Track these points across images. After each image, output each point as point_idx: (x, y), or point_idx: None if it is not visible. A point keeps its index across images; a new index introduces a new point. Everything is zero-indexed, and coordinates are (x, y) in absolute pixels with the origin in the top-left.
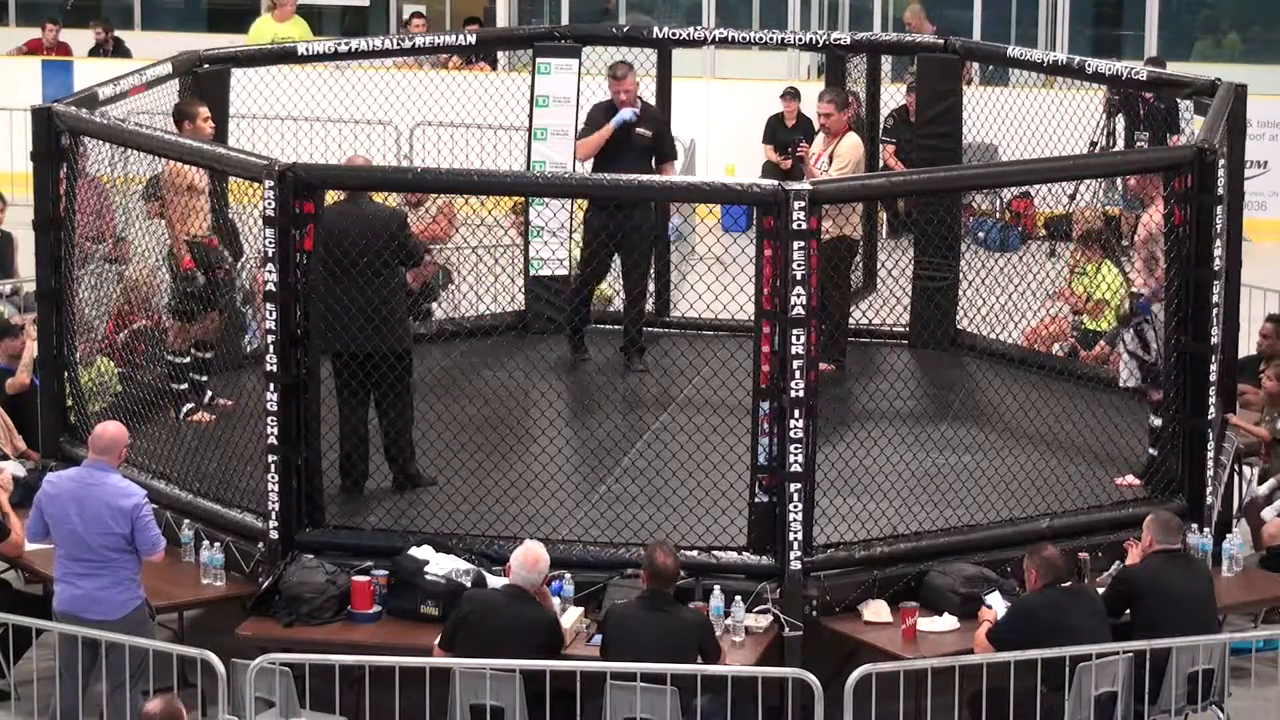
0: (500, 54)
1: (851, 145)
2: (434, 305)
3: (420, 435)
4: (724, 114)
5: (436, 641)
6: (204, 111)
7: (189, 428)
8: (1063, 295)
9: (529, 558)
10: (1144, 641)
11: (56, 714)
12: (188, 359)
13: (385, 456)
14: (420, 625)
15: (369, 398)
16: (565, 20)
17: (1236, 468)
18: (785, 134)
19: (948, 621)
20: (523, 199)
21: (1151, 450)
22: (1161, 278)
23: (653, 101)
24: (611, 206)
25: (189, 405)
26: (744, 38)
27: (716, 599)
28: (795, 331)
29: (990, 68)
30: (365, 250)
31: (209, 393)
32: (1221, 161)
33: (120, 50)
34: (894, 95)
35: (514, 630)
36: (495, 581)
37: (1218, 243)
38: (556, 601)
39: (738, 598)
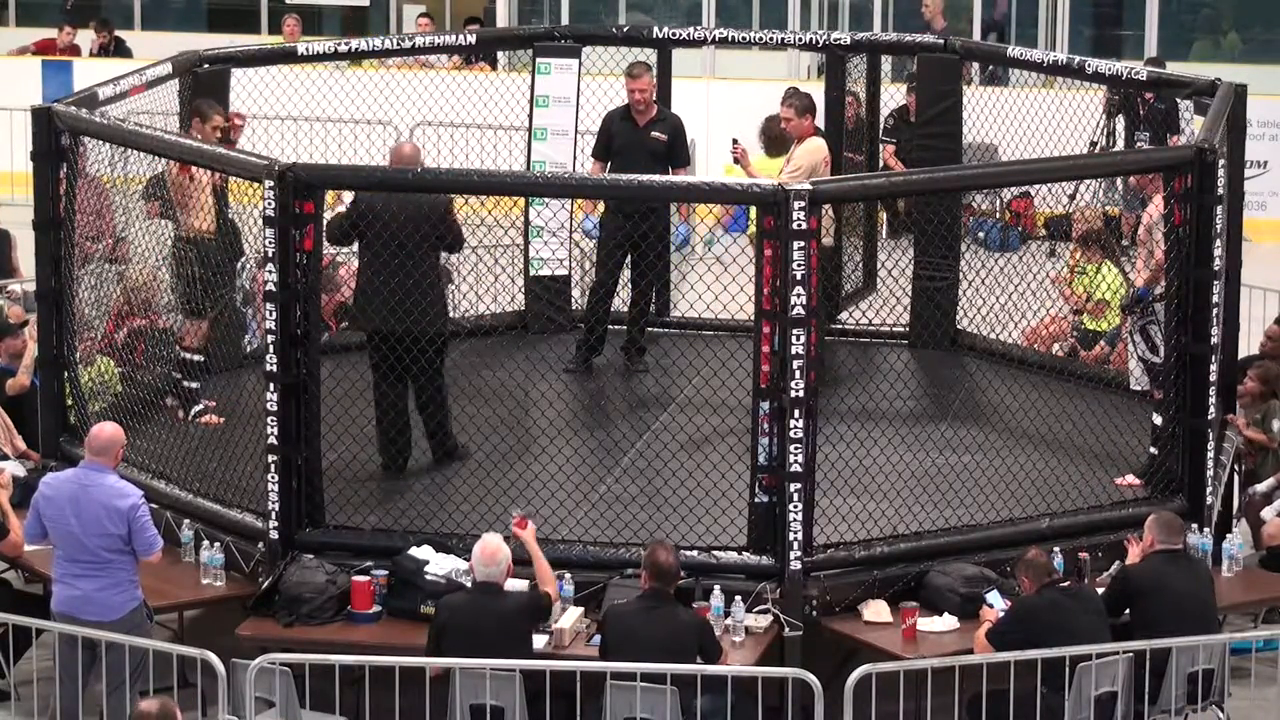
0: (500, 54)
1: (806, 150)
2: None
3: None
4: (724, 114)
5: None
6: (217, 120)
7: (196, 428)
8: (1060, 288)
9: (486, 551)
10: (1144, 641)
11: (56, 714)
12: (201, 356)
13: (426, 434)
14: (420, 625)
15: (404, 378)
16: (565, 20)
17: (1236, 468)
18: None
19: (948, 621)
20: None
21: (1152, 449)
22: (1162, 260)
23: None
24: (630, 210)
25: (199, 406)
26: (744, 38)
27: (716, 599)
28: (795, 331)
29: (990, 68)
30: (411, 232)
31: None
32: (1221, 161)
33: (120, 50)
34: (894, 95)
35: (493, 624)
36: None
37: (1218, 243)
38: (556, 607)
39: (738, 598)
